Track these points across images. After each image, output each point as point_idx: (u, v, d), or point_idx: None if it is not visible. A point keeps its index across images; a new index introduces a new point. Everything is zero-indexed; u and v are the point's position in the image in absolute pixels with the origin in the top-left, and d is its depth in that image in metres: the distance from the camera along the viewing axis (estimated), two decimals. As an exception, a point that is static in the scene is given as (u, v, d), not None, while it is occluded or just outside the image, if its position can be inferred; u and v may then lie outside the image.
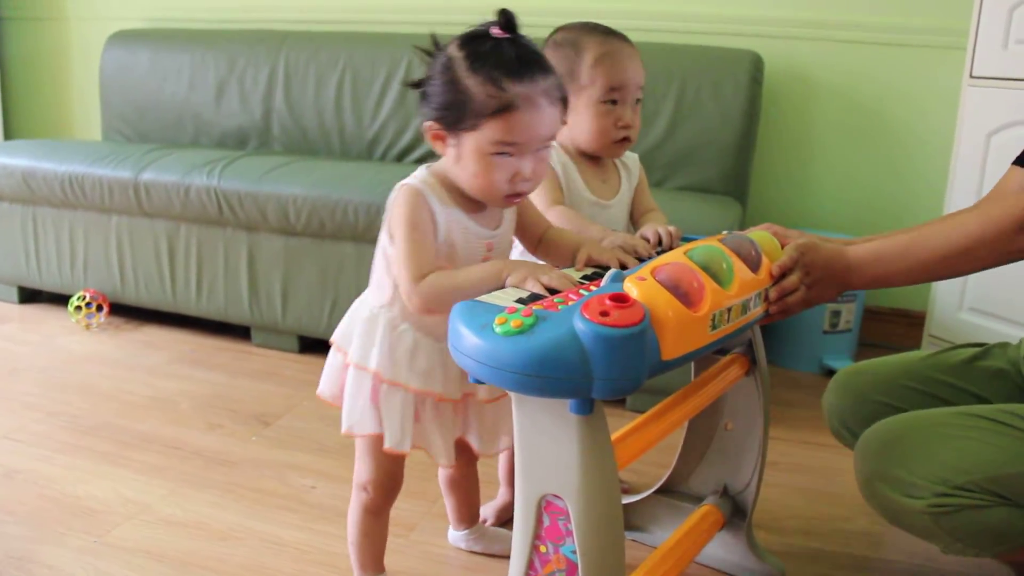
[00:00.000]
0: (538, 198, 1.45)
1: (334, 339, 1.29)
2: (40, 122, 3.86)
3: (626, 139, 1.51)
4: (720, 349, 1.38)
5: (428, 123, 1.15)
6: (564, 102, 1.15)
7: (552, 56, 1.49)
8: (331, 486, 1.78)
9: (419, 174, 1.19)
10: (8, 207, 2.88)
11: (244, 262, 2.58)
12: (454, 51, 1.12)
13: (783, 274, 1.19)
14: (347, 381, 1.24)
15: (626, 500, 1.59)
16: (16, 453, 1.90)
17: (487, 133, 1.10)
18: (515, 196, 1.16)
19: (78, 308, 2.73)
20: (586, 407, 0.90)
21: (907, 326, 2.74)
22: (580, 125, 1.48)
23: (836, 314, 2.52)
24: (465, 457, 1.42)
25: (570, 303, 0.95)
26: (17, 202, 2.86)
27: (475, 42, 1.11)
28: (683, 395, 1.23)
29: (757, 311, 1.14)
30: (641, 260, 1.27)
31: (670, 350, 0.92)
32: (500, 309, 0.93)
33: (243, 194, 2.48)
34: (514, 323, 0.89)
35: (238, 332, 2.72)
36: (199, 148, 3.02)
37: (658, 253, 1.29)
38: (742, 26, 2.72)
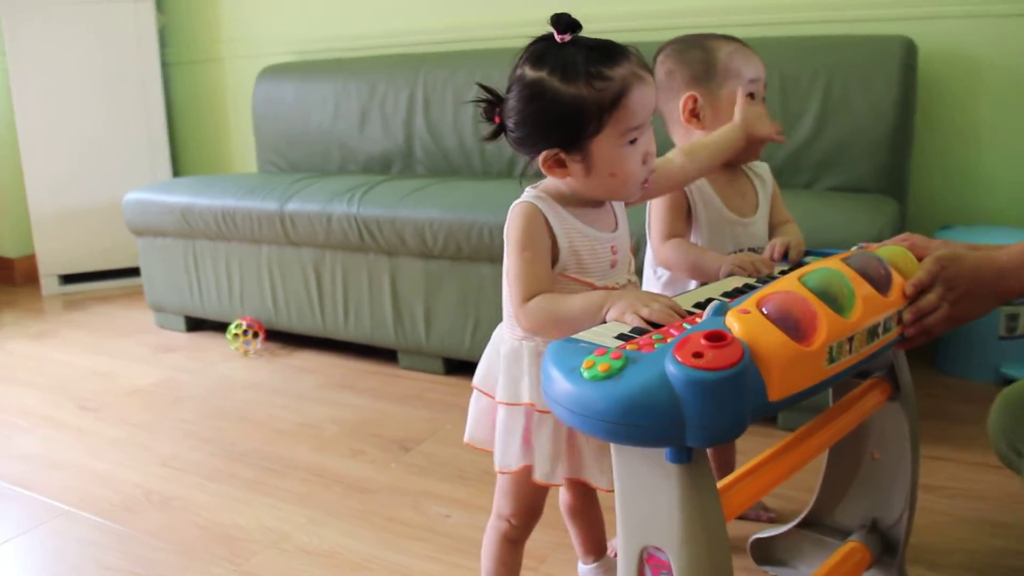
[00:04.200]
0: (654, 231, 1.40)
1: (476, 383, 1.25)
2: (204, 158, 4.08)
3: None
4: (860, 372, 1.27)
5: (545, 153, 1.11)
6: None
7: (678, 62, 1.44)
8: (466, 515, 1.77)
9: (529, 192, 1.16)
10: (172, 241, 3.05)
11: (387, 286, 2.62)
12: (533, 74, 1.09)
13: (919, 292, 1.07)
14: (498, 420, 1.20)
15: (769, 532, 1.50)
16: (172, 481, 1.99)
17: (614, 126, 1.08)
18: (647, 180, 1.15)
19: (236, 336, 2.85)
20: (683, 455, 0.83)
21: (1099, 327, 2.47)
22: (723, 125, 1.40)
23: (1013, 318, 2.29)
24: (584, 486, 1.37)
25: (668, 341, 0.88)
26: (179, 236, 3.02)
27: (549, 56, 1.08)
28: (813, 427, 1.13)
29: (888, 337, 1.03)
30: (762, 280, 1.19)
31: (777, 390, 0.84)
32: (592, 350, 0.88)
33: (382, 220, 2.52)
34: (601, 367, 0.83)
35: (386, 355, 2.76)
36: (345, 175, 3.10)
37: (781, 273, 1.20)
38: (890, 10, 2.52)
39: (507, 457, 1.18)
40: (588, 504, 1.40)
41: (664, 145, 1.21)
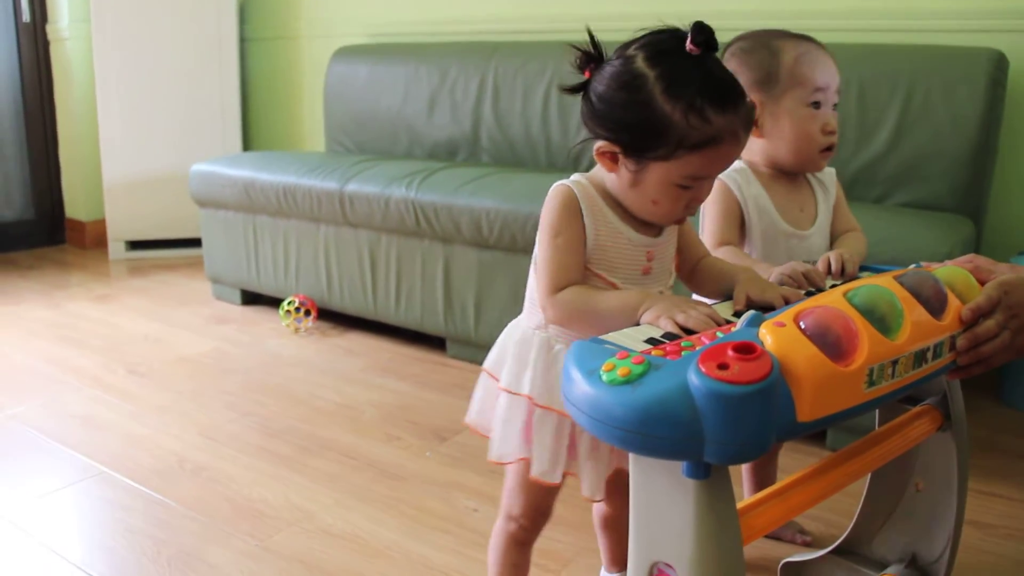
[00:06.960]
0: (706, 236, 1.34)
1: (486, 366, 1.23)
2: (275, 135, 4.11)
3: (830, 147, 1.36)
4: (908, 398, 1.20)
5: (603, 142, 1.06)
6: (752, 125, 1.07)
7: (742, 63, 1.37)
8: (493, 511, 1.71)
9: (573, 177, 1.12)
10: (233, 215, 3.07)
11: (440, 274, 2.59)
12: (643, 67, 1.00)
13: (977, 318, 1.00)
14: (498, 408, 1.17)
15: (801, 557, 1.43)
16: (208, 451, 1.99)
17: (682, 166, 1.00)
18: (684, 218, 1.11)
19: (288, 312, 2.85)
20: (700, 471, 0.78)
21: None
22: (782, 134, 1.34)
23: (1089, 354, 2.16)
24: (621, 493, 1.32)
25: (696, 349, 0.83)
26: (241, 210, 3.04)
27: (668, 60, 0.99)
28: (853, 451, 1.07)
29: (938, 363, 0.95)
30: (813, 291, 1.13)
31: (808, 410, 0.78)
32: (615, 352, 0.83)
33: (439, 206, 2.50)
34: (621, 371, 0.78)
35: (435, 342, 2.74)
36: (408, 159, 3.08)
37: (833, 287, 1.14)
38: (981, 20, 2.39)
39: (504, 446, 1.15)
40: (624, 514, 1.35)
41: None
